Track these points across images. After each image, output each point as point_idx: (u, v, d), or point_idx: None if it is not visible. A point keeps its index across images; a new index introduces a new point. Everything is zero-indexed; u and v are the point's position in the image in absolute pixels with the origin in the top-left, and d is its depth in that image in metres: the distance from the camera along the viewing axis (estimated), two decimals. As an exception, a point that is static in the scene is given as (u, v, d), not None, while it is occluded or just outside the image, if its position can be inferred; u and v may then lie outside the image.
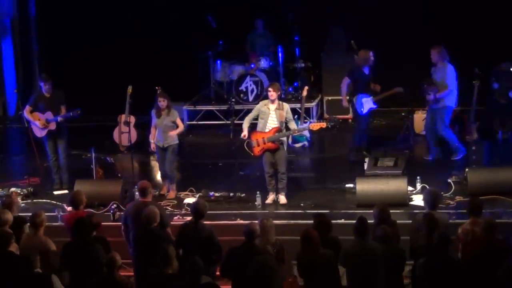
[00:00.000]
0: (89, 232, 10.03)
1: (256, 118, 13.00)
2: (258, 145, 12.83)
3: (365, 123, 14.94)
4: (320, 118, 17.81)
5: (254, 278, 8.48)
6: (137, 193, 12.84)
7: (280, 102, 12.85)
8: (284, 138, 12.90)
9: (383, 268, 9.21)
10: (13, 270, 9.31)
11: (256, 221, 10.08)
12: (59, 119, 13.85)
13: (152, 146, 13.54)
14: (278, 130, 12.73)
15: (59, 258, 9.98)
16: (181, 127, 13.45)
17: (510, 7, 17.28)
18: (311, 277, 9.31)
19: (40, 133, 13.97)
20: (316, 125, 13.19)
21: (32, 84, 19.49)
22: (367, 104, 14.56)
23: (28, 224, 10.27)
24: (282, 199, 12.98)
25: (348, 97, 15.02)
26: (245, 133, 12.87)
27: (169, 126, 13.29)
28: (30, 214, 10.54)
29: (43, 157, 14.32)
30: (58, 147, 14.05)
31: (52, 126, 13.89)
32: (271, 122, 12.78)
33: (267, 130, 12.78)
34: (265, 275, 8.43)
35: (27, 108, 13.97)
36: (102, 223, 10.81)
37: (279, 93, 12.91)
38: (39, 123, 13.86)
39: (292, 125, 12.90)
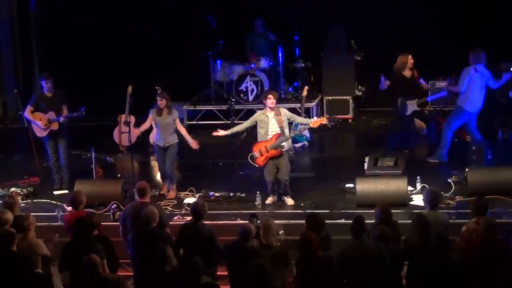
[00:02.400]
0: (89, 231, 10.02)
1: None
2: (262, 155, 12.78)
3: (410, 122, 14.79)
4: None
5: (250, 282, 8.47)
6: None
7: (277, 108, 12.79)
8: (287, 145, 12.84)
9: (382, 267, 9.20)
10: (15, 269, 9.31)
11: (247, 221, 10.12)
12: (62, 119, 13.86)
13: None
14: (279, 136, 12.72)
15: (51, 260, 9.99)
16: (182, 129, 13.48)
17: (510, 7, 17.28)
18: (310, 280, 9.30)
19: (41, 133, 13.96)
20: (316, 122, 13.15)
21: (32, 84, 19.47)
22: (411, 106, 14.49)
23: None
24: (290, 201, 12.97)
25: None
26: (221, 133, 12.93)
27: (170, 125, 13.31)
28: (32, 214, 10.54)
29: (42, 158, 14.31)
30: (58, 147, 14.06)
31: (55, 126, 13.89)
32: (272, 129, 12.75)
33: (268, 138, 12.76)
34: (261, 279, 8.42)
35: (29, 108, 13.96)
36: (102, 223, 10.80)
37: (276, 99, 12.82)
38: (41, 123, 13.86)
39: (299, 119, 13.09)
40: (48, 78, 13.90)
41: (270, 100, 12.68)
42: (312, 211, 10.53)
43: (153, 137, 15.94)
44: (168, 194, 13.50)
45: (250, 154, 12.89)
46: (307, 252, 9.34)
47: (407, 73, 14.52)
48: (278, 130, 12.71)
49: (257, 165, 12.91)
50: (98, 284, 8.95)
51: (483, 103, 14.22)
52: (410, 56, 14.50)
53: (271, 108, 12.71)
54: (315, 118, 13.52)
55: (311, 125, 13.16)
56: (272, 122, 12.73)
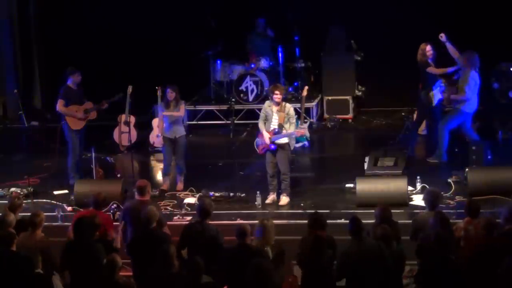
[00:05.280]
0: (92, 232, 9.99)
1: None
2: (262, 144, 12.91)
3: (439, 114, 14.78)
4: (320, 118, 17.86)
5: (250, 281, 8.47)
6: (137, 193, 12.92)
7: (283, 104, 12.84)
8: (287, 140, 12.85)
9: (383, 267, 9.19)
10: (15, 269, 9.31)
11: (246, 222, 10.08)
12: (106, 105, 14.13)
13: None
14: (275, 132, 12.76)
15: (54, 259, 9.98)
16: (181, 112, 13.67)
17: (510, 7, 17.28)
18: (317, 280, 9.31)
19: (78, 125, 13.99)
20: (298, 132, 13.14)
21: (32, 84, 19.48)
22: (436, 96, 14.49)
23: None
24: (283, 200, 12.95)
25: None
26: (265, 134, 12.82)
27: (176, 116, 13.57)
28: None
29: (41, 157, 14.30)
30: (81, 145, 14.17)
31: (93, 116, 14.07)
32: (273, 123, 12.81)
33: (270, 130, 12.84)
34: (261, 278, 8.43)
35: (61, 101, 13.90)
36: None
37: (283, 93, 12.92)
38: (79, 114, 13.89)
39: (288, 127, 12.83)
40: (77, 71, 13.96)
41: (277, 96, 12.72)
42: (316, 210, 10.49)
43: (153, 137, 15.98)
44: (177, 186, 13.66)
45: (256, 140, 13.02)
46: (317, 253, 9.32)
47: (431, 63, 14.54)
48: (275, 127, 12.76)
49: (258, 152, 13.00)
50: (110, 286, 8.95)
51: (478, 103, 14.28)
52: (428, 47, 14.48)
53: (277, 103, 12.77)
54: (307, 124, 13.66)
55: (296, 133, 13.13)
56: (274, 117, 12.81)
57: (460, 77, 14.28)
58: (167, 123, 13.64)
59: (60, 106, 13.90)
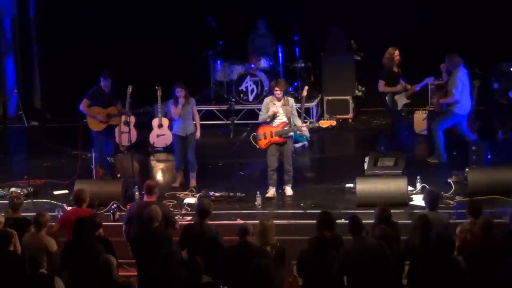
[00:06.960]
0: (91, 231, 9.99)
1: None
2: (265, 138, 12.95)
3: (402, 119, 14.82)
4: (320, 118, 17.83)
5: (251, 281, 8.47)
6: (137, 193, 12.92)
7: (285, 97, 12.99)
8: (292, 133, 12.98)
9: (383, 266, 9.19)
10: (14, 270, 9.30)
11: (250, 222, 10.08)
12: (129, 113, 14.70)
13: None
14: (286, 125, 12.83)
15: (60, 259, 9.98)
16: (196, 117, 13.89)
17: (510, 7, 17.28)
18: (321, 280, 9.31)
19: (97, 127, 14.13)
20: (325, 122, 13.26)
21: (32, 84, 19.47)
22: (400, 100, 14.46)
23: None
24: (289, 190, 13.07)
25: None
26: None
27: (189, 113, 13.68)
28: (32, 214, 10.55)
29: (41, 157, 14.28)
30: (108, 144, 14.34)
31: (114, 122, 14.23)
32: (279, 117, 12.90)
33: (274, 125, 12.86)
34: (262, 278, 8.42)
35: (85, 101, 14.03)
36: (102, 223, 10.78)
37: (284, 89, 12.99)
38: (100, 117, 13.99)
39: (297, 122, 13.11)
40: (109, 75, 14.10)
41: (278, 92, 12.85)
42: (325, 210, 10.47)
43: (153, 137, 15.97)
44: (190, 182, 13.70)
45: (252, 134, 13.06)
46: (321, 252, 9.32)
47: (395, 68, 14.48)
48: (284, 119, 12.82)
49: (258, 146, 13.05)
50: (109, 286, 8.94)
51: (471, 104, 14.26)
52: (397, 52, 14.44)
53: (279, 99, 12.86)
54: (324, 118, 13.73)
55: (320, 125, 13.33)
56: (280, 111, 12.90)
57: (448, 81, 14.21)
58: (178, 121, 13.68)
59: (83, 105, 14.07)
